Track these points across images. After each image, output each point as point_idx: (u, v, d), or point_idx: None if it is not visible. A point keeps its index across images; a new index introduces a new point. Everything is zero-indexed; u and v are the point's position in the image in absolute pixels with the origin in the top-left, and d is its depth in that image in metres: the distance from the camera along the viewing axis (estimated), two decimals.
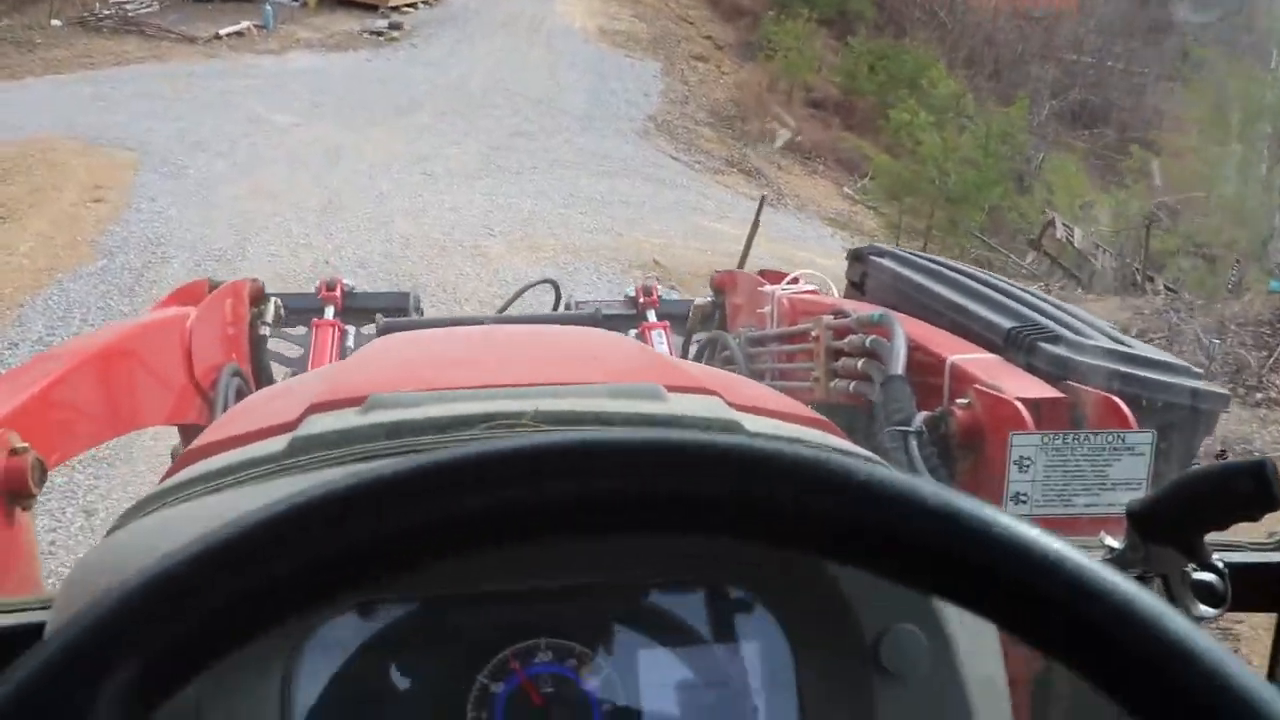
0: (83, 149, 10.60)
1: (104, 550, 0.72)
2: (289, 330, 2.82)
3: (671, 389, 0.86)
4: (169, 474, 0.88)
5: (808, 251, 9.72)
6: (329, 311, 2.87)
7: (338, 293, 2.94)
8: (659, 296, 3.20)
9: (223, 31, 15.95)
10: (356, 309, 2.94)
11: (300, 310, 2.84)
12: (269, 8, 16.55)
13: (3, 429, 1.25)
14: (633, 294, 3.19)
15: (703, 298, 3.15)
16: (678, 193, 12.61)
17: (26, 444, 1.25)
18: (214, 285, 2.52)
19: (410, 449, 0.73)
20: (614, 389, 0.83)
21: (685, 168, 14.04)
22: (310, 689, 0.68)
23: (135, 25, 15.86)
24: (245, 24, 16.32)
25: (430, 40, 17.13)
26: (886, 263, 2.46)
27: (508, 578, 0.70)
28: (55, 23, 15.49)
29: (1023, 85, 18.95)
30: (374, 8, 17.80)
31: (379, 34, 17.15)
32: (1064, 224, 10.47)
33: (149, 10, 16.33)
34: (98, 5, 16.11)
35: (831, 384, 2.03)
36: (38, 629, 0.70)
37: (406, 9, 18.17)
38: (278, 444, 0.78)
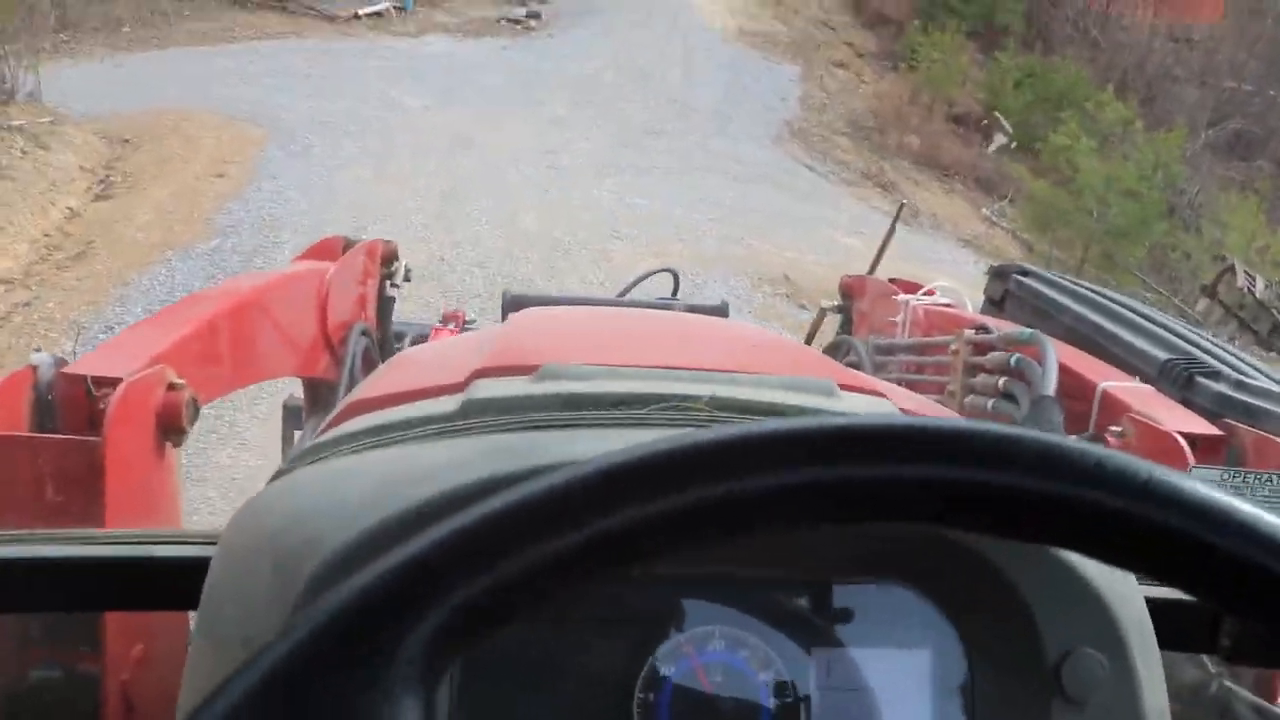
0: (213, 122, 10.57)
1: (275, 492, 0.72)
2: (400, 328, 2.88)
3: (842, 387, 0.86)
4: (332, 422, 0.90)
5: (943, 276, 9.11)
6: (450, 326, 2.99)
7: (460, 316, 3.08)
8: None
9: (362, 11, 15.89)
10: None
11: (419, 337, 2.89)
12: None
13: (161, 365, 1.28)
14: None
15: (827, 301, 3.15)
16: (810, 204, 12.09)
17: (183, 380, 1.28)
18: (349, 243, 2.53)
19: (586, 422, 0.73)
20: (788, 381, 0.83)
21: (819, 178, 13.49)
22: (478, 654, 0.68)
23: (278, 0, 15.86)
24: (385, 4, 16.23)
25: (567, 31, 16.86)
26: (1030, 282, 2.43)
27: (689, 563, 0.69)
28: None
29: (1177, 112, 17.91)
30: None
31: (516, 22, 16.94)
32: (1245, 271, 9.56)
33: None
34: None
35: (966, 400, 1.99)
36: (204, 563, 0.68)
37: None
38: (448, 404, 0.79)
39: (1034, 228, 12.59)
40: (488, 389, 0.80)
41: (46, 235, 7.39)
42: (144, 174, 9.00)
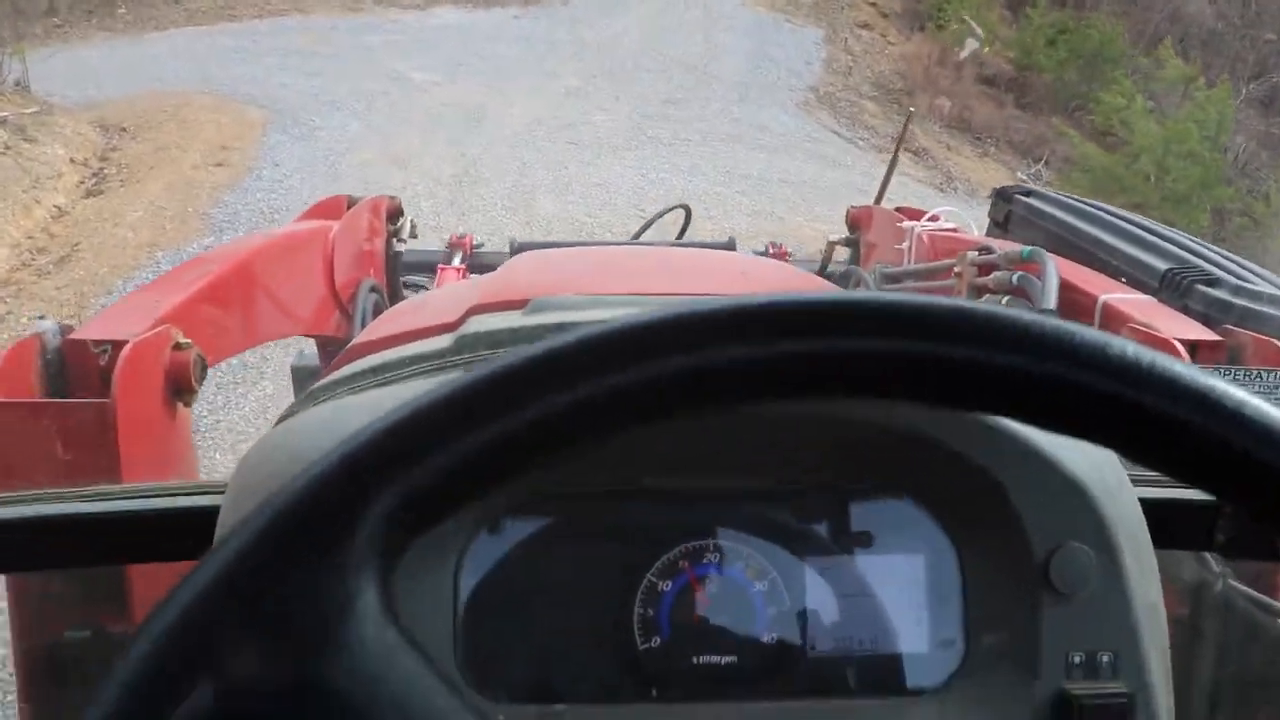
0: (214, 105, 10.11)
1: (278, 435, 0.73)
2: (411, 278, 2.82)
3: None
4: (333, 367, 0.92)
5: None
6: (456, 259, 2.91)
7: (467, 242, 3.03)
8: (789, 252, 3.33)
9: None
10: (482, 265, 2.85)
11: (427, 265, 2.85)
12: None
13: (167, 325, 1.28)
14: (762, 250, 3.28)
15: (836, 235, 3.16)
16: (841, 172, 11.52)
17: (190, 340, 1.29)
18: (352, 201, 2.50)
19: None
20: None
21: (848, 144, 12.94)
22: (480, 575, 0.69)
23: None
24: None
25: None
26: (1033, 201, 2.44)
27: (679, 476, 0.71)
28: None
29: (1214, 67, 17.23)
30: None
31: None
32: None
33: None
34: None
35: None
36: (212, 512, 0.70)
37: None
38: (442, 341, 0.83)
39: (1089, 195, 12.01)
40: (480, 324, 0.83)
41: (30, 237, 6.88)
42: (140, 164, 8.51)
